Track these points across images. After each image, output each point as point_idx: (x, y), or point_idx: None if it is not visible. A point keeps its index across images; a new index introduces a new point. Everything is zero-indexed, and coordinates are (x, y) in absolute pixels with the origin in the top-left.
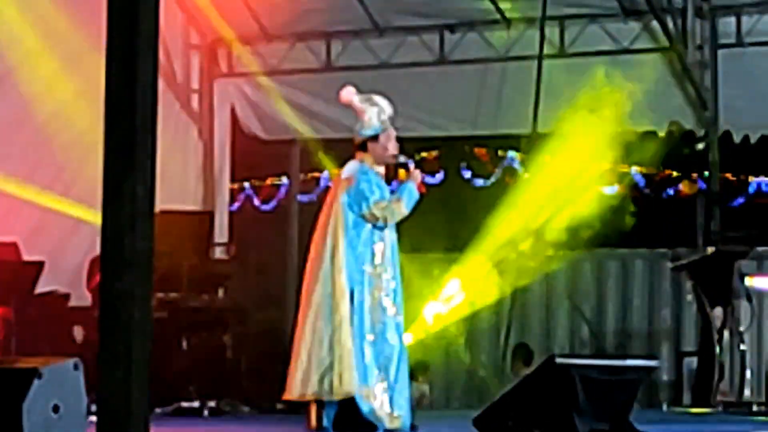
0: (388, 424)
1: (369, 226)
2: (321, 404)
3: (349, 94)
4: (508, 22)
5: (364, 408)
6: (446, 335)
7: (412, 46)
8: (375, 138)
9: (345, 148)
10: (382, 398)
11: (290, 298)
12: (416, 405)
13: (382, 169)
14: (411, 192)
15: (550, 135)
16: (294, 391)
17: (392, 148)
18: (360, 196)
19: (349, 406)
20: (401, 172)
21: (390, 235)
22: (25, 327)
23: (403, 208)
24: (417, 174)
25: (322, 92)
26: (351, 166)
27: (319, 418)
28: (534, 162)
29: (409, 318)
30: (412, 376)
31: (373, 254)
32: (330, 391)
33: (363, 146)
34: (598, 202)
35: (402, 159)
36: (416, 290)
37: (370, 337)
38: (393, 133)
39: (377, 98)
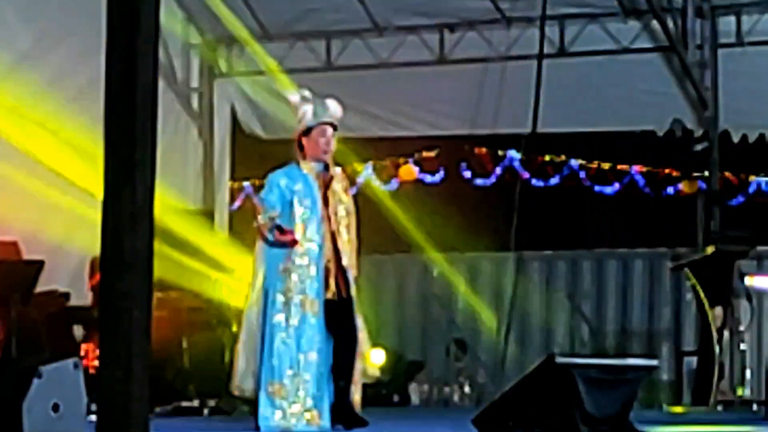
0: (305, 421)
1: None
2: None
3: (291, 94)
4: (508, 22)
5: (265, 406)
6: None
7: (412, 46)
8: (308, 132)
9: (345, 147)
10: (296, 394)
11: None
12: (410, 403)
13: (315, 166)
14: (270, 240)
15: None
16: (231, 386)
17: (324, 144)
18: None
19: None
20: (403, 169)
21: (313, 235)
22: (25, 327)
23: (262, 228)
24: (285, 237)
25: (322, 92)
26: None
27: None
28: None
29: (409, 316)
30: (410, 375)
31: (287, 254)
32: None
33: (299, 144)
34: None
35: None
36: (417, 290)
37: (282, 335)
38: (327, 130)
39: (320, 98)
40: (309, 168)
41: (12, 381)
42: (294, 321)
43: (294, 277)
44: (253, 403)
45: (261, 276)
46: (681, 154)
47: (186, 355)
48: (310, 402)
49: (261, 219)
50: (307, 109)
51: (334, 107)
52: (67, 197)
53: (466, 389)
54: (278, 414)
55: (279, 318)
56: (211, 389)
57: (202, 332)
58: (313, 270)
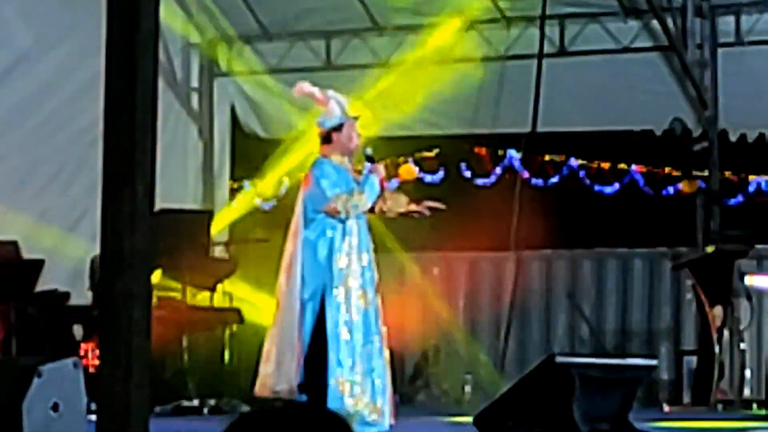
0: (367, 416)
1: (333, 219)
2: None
3: (306, 86)
4: (508, 21)
5: (334, 404)
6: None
7: (412, 46)
8: (339, 128)
9: None
10: (361, 389)
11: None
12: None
13: (346, 160)
14: (373, 185)
15: None
16: (258, 388)
17: (356, 137)
18: (319, 191)
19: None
20: (403, 169)
21: (359, 226)
22: (25, 327)
23: (365, 201)
24: (380, 168)
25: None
26: (312, 162)
27: None
28: None
29: (408, 316)
30: (417, 374)
31: (342, 247)
32: (280, 390)
33: (327, 138)
34: None
35: (368, 151)
36: (416, 289)
37: (343, 329)
38: (355, 124)
39: (334, 92)
40: (340, 161)
41: (12, 381)
42: (355, 314)
43: (350, 269)
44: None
45: (298, 275)
46: (680, 153)
47: (186, 355)
48: (373, 397)
49: (366, 202)
50: (335, 104)
51: (344, 98)
52: (67, 197)
53: (434, 391)
54: (347, 411)
55: (341, 313)
56: (211, 389)
57: (202, 332)
58: (365, 260)
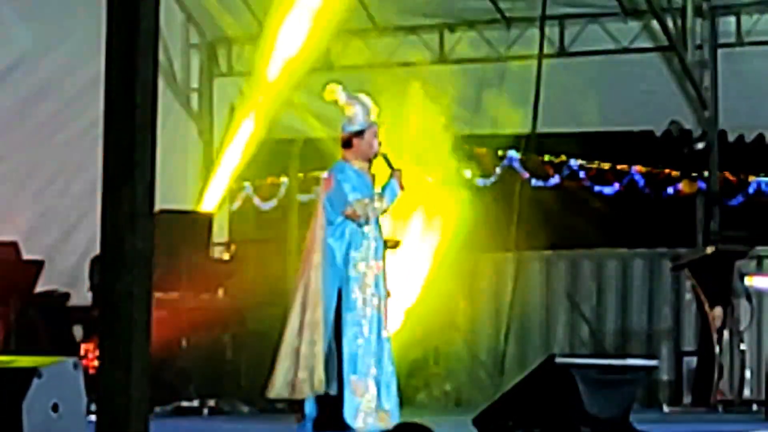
0: (377, 420)
1: (353, 223)
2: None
3: (335, 90)
4: (508, 22)
5: (350, 404)
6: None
7: (412, 46)
8: (360, 134)
9: None
10: (372, 393)
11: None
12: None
13: (365, 165)
14: (393, 189)
15: None
16: (273, 389)
17: (376, 144)
18: (339, 195)
19: (331, 405)
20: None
21: (374, 230)
22: (25, 327)
23: (385, 205)
24: (400, 172)
25: (322, 91)
26: (333, 165)
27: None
28: None
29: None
30: (417, 375)
31: (359, 251)
32: (304, 390)
33: (348, 143)
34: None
35: (386, 156)
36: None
37: (363, 331)
38: (377, 130)
39: (362, 96)
40: (361, 165)
41: (12, 381)
42: (369, 317)
43: (366, 275)
44: (300, 403)
45: (319, 279)
46: (680, 154)
47: (186, 356)
48: (383, 399)
49: (386, 206)
50: (359, 110)
51: (371, 103)
52: (67, 197)
53: (434, 392)
54: (361, 413)
55: (357, 316)
56: (211, 389)
57: (202, 333)
58: (379, 267)
